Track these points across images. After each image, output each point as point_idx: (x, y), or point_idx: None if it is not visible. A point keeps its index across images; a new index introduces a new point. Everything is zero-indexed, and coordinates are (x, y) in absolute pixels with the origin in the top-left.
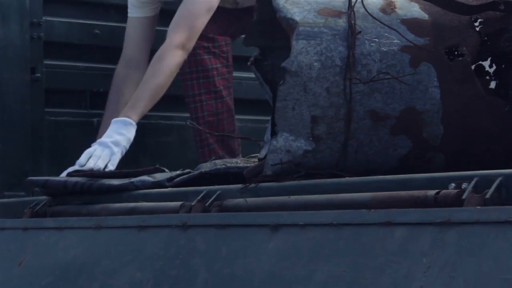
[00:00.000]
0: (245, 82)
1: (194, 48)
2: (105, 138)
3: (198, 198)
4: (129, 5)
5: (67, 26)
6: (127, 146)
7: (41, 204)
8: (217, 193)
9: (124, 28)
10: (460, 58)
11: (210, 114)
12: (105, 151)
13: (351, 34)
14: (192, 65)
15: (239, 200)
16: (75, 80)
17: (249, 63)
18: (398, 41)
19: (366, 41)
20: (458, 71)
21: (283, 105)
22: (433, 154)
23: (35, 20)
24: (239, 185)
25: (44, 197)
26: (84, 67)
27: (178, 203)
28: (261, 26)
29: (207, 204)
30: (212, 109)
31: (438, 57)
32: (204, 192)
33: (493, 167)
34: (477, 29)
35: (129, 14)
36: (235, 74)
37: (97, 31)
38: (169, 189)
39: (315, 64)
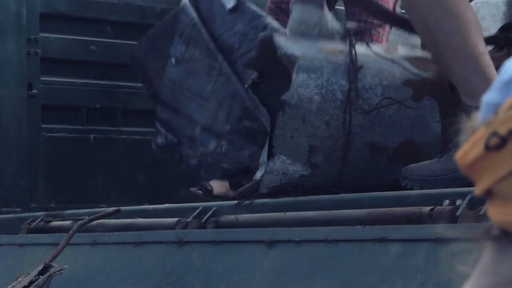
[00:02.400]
0: None
1: None
2: None
3: (194, 214)
4: None
5: (63, 42)
6: None
7: (37, 220)
8: (213, 209)
9: (120, 44)
10: None
11: None
12: None
13: (353, 68)
14: None
15: (235, 216)
16: (71, 96)
17: (246, 86)
18: (401, 75)
19: (368, 75)
20: (460, 105)
21: (281, 133)
22: None
23: (32, 36)
24: (235, 202)
25: (40, 213)
26: (80, 83)
27: (174, 219)
28: (262, 58)
29: (203, 220)
30: None
31: (441, 91)
32: (200, 208)
33: None
34: None
35: None
36: None
37: (93, 47)
38: (165, 205)
39: (315, 97)
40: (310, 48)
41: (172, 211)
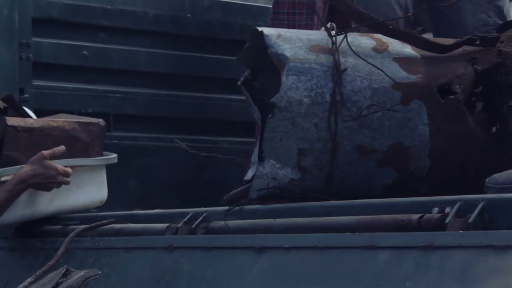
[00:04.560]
0: (232, 104)
1: None
2: None
3: (185, 220)
4: None
5: (55, 47)
6: None
7: (28, 225)
8: (203, 215)
9: (112, 50)
10: (452, 97)
11: None
12: None
13: (336, 72)
14: None
15: (225, 222)
16: (63, 101)
17: (239, 83)
18: (390, 79)
19: (357, 78)
20: (449, 109)
21: (271, 136)
22: (418, 184)
23: (24, 41)
24: (225, 208)
25: None
26: (72, 88)
27: (164, 225)
28: (253, 51)
29: (193, 226)
30: None
31: (430, 94)
32: (191, 214)
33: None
34: (473, 64)
35: None
36: (224, 96)
37: (85, 52)
38: (156, 210)
39: (304, 100)
40: (300, 48)
41: (162, 217)
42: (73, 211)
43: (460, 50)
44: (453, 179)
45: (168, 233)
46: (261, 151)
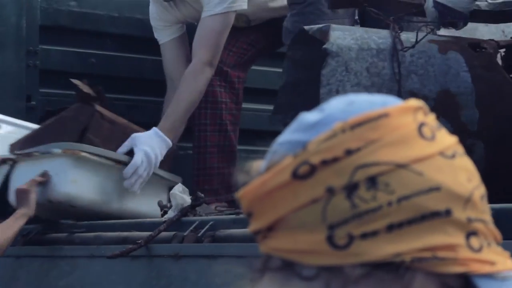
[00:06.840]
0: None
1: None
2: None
3: (191, 228)
4: (155, 32)
5: (63, 55)
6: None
7: (34, 232)
8: (210, 223)
9: (119, 57)
10: (484, 50)
11: (213, 145)
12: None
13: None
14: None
15: (232, 231)
16: None
17: (270, 114)
18: (425, 38)
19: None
20: (483, 59)
21: (327, 91)
22: (473, 141)
23: (31, 48)
24: (232, 216)
25: (37, 225)
26: None
27: (171, 233)
28: (288, 95)
29: (199, 235)
30: (215, 140)
31: (463, 48)
32: (197, 222)
33: None
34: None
35: (159, 42)
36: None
37: (92, 60)
38: (163, 218)
39: (353, 46)
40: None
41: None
42: (133, 216)
43: None
44: (503, 135)
45: (174, 241)
46: None
